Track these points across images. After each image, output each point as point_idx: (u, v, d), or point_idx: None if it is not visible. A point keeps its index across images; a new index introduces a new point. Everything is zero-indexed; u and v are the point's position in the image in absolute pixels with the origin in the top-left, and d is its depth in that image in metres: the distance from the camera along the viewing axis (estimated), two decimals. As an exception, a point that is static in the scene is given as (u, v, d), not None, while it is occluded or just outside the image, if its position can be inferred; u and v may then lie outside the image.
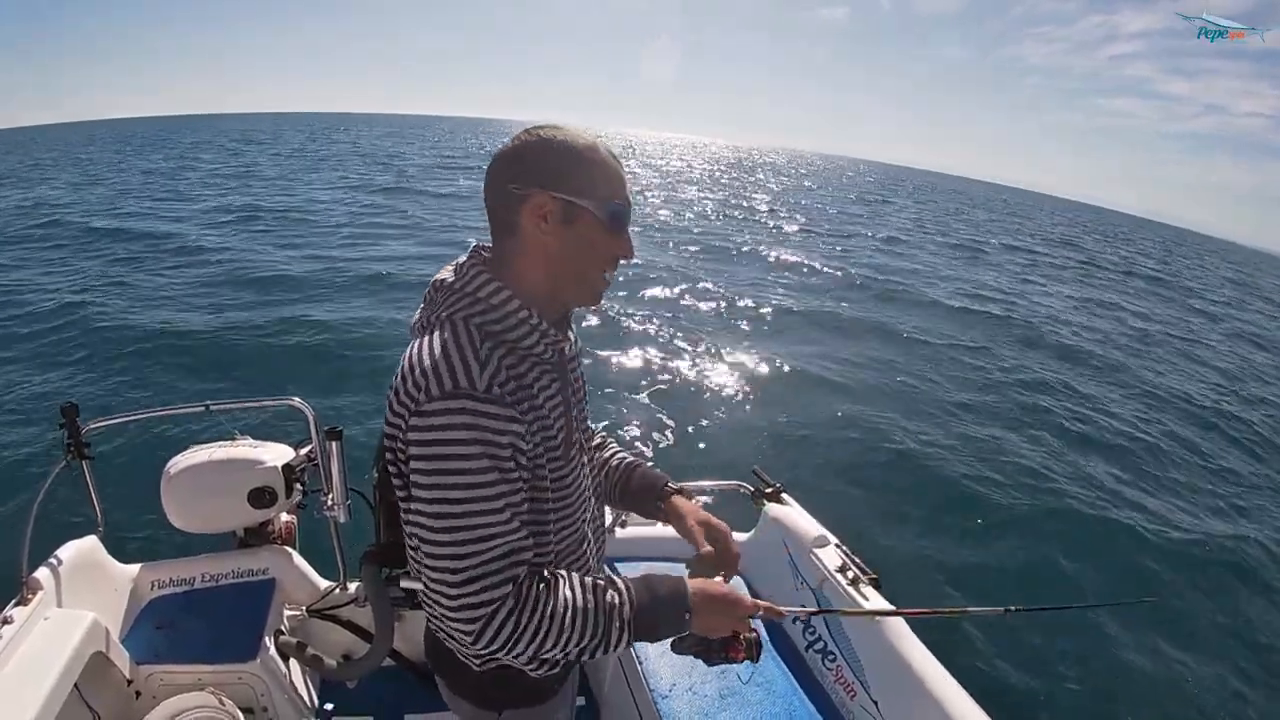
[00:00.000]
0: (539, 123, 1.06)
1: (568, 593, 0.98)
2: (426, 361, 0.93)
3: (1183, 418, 9.26)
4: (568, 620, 0.96)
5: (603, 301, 1.19)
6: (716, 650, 1.10)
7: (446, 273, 1.06)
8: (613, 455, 1.42)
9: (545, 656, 0.97)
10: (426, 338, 0.97)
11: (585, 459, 1.21)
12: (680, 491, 1.34)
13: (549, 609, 0.95)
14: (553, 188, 0.99)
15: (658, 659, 2.05)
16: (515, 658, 0.96)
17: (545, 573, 1.01)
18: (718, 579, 1.15)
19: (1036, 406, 8.60)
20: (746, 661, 1.10)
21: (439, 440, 0.90)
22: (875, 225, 29.19)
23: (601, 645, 0.99)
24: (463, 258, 1.07)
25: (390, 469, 1.02)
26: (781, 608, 1.14)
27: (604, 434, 1.48)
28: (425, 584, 0.96)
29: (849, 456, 6.47)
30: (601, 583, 1.02)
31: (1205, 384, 11.40)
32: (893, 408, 7.80)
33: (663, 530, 2.61)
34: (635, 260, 1.09)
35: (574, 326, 1.29)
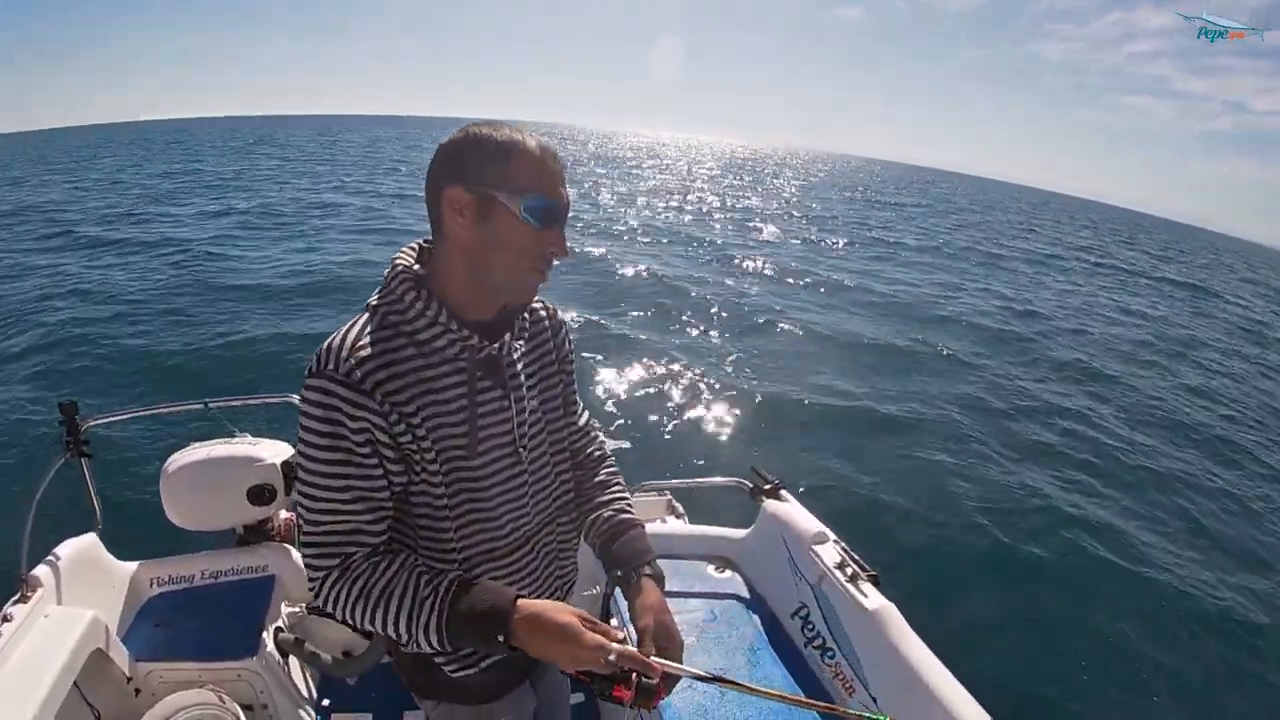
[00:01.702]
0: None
1: (388, 578, 1.00)
2: (326, 342, 0.99)
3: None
4: (380, 604, 0.99)
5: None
6: (598, 685, 0.96)
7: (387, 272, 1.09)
8: (610, 501, 1.30)
9: (370, 629, 1.02)
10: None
11: (518, 465, 1.14)
12: (657, 578, 1.19)
13: (366, 588, 0.99)
14: (467, 181, 0.98)
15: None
16: (350, 620, 1.02)
17: (388, 556, 1.03)
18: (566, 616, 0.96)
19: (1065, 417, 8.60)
20: (640, 709, 0.98)
21: (302, 413, 0.97)
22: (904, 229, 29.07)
23: (414, 638, 0.99)
24: (400, 254, 1.09)
25: None
26: (654, 660, 0.98)
27: (612, 467, 1.37)
28: None
29: (850, 453, 6.47)
30: (428, 578, 1.00)
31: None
32: (903, 409, 7.80)
33: (673, 527, 2.62)
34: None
35: (558, 325, 1.27)
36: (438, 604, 0.98)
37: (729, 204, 31.46)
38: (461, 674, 1.18)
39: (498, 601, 0.97)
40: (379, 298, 1.04)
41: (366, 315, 1.03)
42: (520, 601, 0.97)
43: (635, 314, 10.39)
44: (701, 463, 5.94)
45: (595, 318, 9.77)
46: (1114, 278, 23.33)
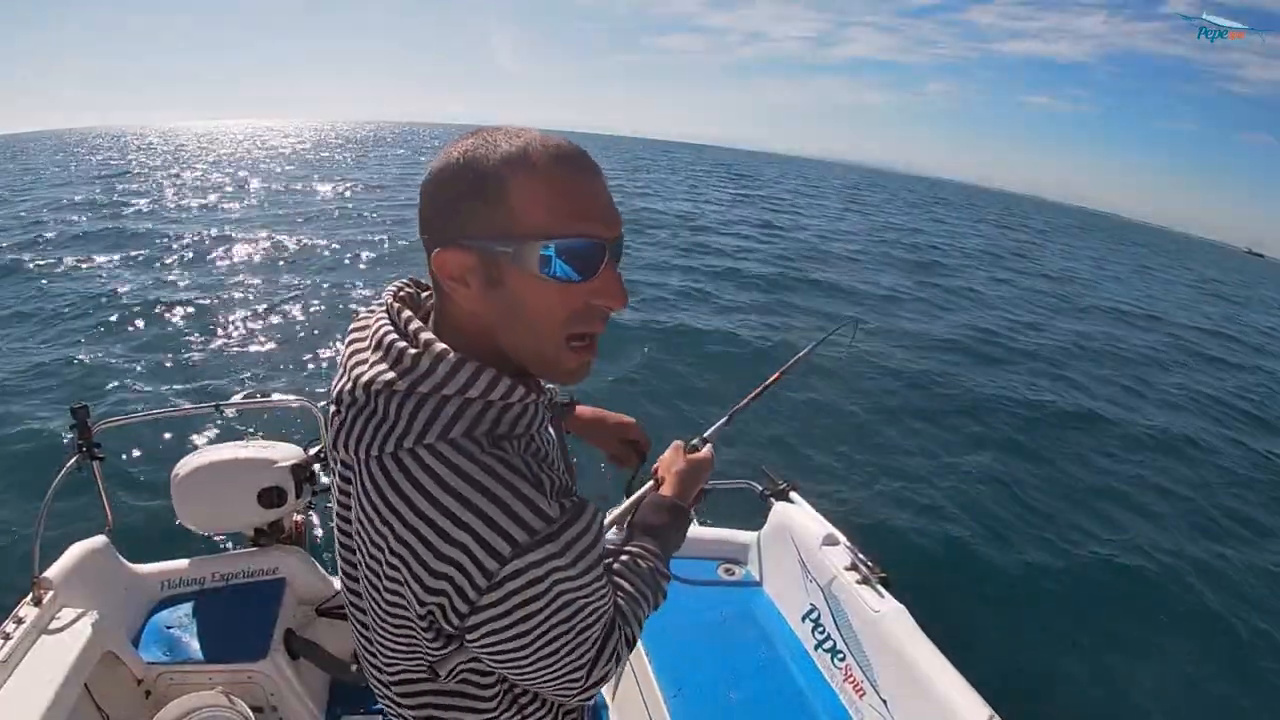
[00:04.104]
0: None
1: (621, 608, 0.88)
2: (470, 517, 0.65)
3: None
4: (638, 622, 0.90)
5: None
6: None
7: (374, 370, 0.71)
8: None
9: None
10: (427, 489, 0.67)
11: None
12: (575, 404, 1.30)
13: (627, 638, 0.86)
14: (463, 234, 0.68)
15: (666, 654, 2.05)
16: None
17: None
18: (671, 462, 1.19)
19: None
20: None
21: (555, 582, 0.70)
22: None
23: (659, 599, 0.97)
24: (386, 334, 0.72)
25: (391, 635, 0.78)
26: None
27: None
28: (550, 693, 0.82)
29: (863, 455, 6.43)
30: (628, 569, 0.93)
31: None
32: (913, 401, 7.77)
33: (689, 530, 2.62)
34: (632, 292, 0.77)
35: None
36: (658, 566, 0.97)
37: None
38: None
39: (673, 516, 1.06)
40: (443, 422, 0.69)
41: (460, 451, 0.68)
42: (664, 491, 1.10)
43: (642, 308, 10.38)
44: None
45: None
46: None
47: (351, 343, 0.77)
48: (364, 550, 0.74)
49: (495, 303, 0.70)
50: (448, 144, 0.71)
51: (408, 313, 0.75)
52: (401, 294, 0.81)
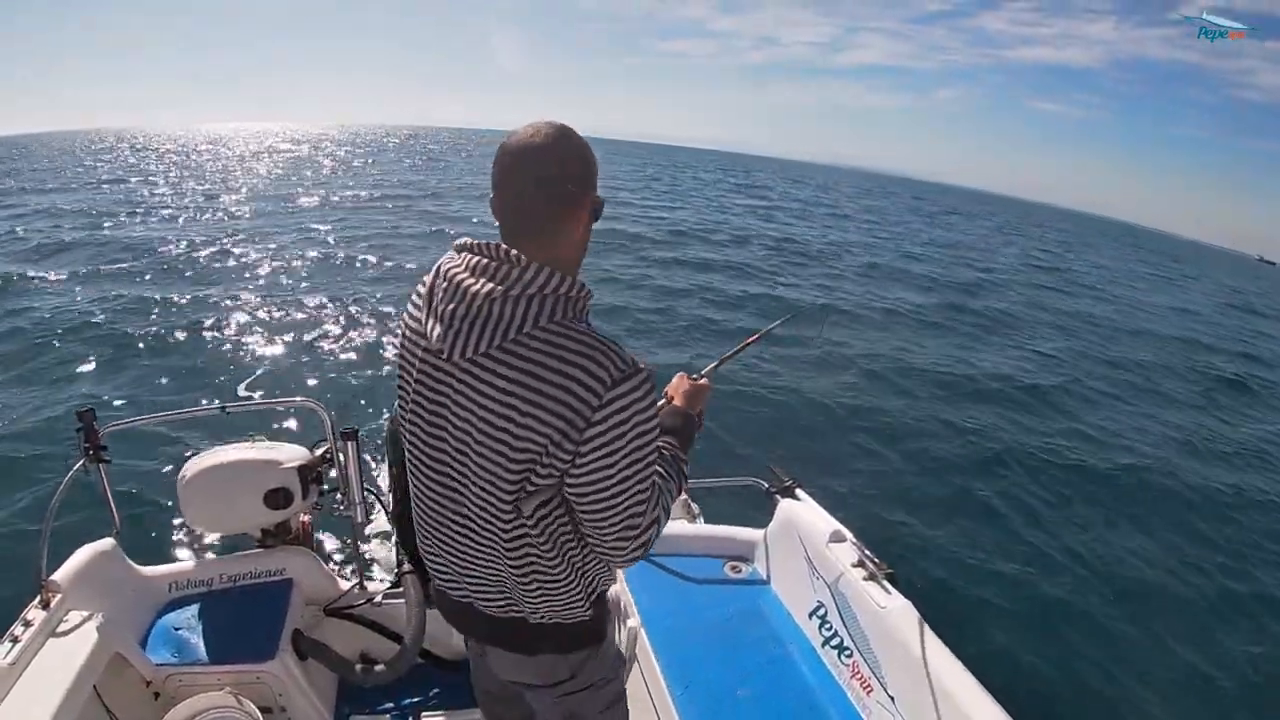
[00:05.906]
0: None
1: (660, 475, 1.17)
2: (608, 346, 1.00)
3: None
4: (672, 492, 1.20)
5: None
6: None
7: (486, 286, 1.01)
8: None
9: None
10: (549, 351, 0.98)
11: None
12: None
13: (663, 503, 1.15)
14: (594, 188, 1.07)
15: (674, 652, 2.05)
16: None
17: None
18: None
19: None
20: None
21: (641, 408, 1.01)
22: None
23: (682, 483, 1.26)
24: (489, 262, 1.03)
25: (509, 487, 1.05)
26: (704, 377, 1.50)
27: None
28: (603, 547, 1.11)
29: (867, 450, 6.42)
30: (665, 455, 1.23)
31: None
32: (916, 400, 7.75)
33: (689, 527, 2.61)
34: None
35: None
36: (677, 452, 1.27)
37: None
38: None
39: (685, 422, 1.35)
40: (557, 312, 1.00)
41: (577, 329, 1.00)
42: (676, 403, 1.40)
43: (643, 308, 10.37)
44: (717, 462, 5.89)
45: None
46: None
47: (452, 273, 1.04)
48: (484, 428, 1.02)
49: (584, 236, 1.10)
50: (536, 133, 1.01)
51: (504, 246, 1.02)
52: (470, 241, 1.08)
